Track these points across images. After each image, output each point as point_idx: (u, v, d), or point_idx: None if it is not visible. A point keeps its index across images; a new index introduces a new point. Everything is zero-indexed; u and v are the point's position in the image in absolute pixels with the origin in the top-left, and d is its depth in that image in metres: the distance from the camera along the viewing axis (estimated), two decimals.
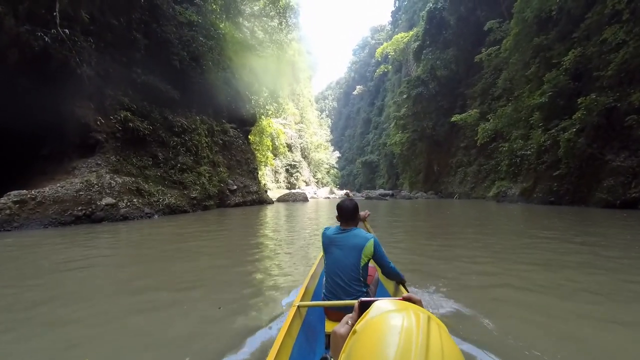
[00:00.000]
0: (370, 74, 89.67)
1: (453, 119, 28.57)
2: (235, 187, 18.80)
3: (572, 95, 17.52)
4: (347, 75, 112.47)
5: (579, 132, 15.44)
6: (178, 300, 3.16)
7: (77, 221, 8.95)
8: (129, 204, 10.47)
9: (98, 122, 10.85)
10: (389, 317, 0.63)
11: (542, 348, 2.15)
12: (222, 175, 17.79)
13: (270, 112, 29.33)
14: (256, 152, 30.98)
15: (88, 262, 4.87)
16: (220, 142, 18.77)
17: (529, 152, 18.84)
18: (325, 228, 2.33)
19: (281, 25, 33.16)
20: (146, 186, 11.76)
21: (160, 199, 12.19)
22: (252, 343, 2.22)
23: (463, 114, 27.73)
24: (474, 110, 26.72)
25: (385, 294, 2.63)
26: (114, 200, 9.97)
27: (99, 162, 10.72)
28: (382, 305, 0.69)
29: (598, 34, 16.04)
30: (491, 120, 24.03)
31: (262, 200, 21.38)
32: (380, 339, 0.58)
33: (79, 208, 9.08)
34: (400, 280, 2.41)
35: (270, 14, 32.04)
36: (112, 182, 10.46)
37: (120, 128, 11.54)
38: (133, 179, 11.43)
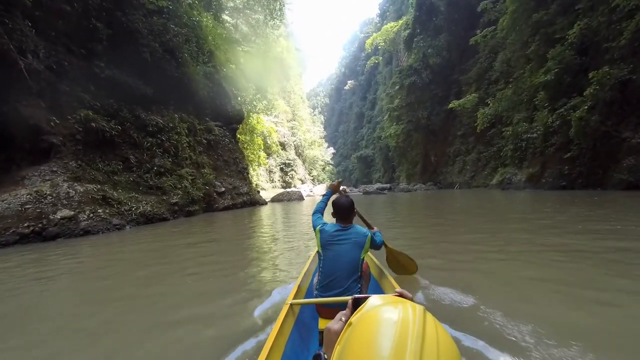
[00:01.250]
0: (361, 68, 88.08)
1: (451, 105, 27.14)
2: (223, 189, 17.25)
3: (579, 71, 16.15)
4: (338, 71, 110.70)
5: (591, 110, 14.05)
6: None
7: (23, 240, 7.40)
8: (92, 215, 8.92)
9: (52, 123, 9.26)
10: (385, 309, 0.64)
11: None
12: (208, 177, 16.23)
13: (259, 109, 27.71)
14: (247, 151, 29.42)
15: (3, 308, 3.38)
16: (204, 141, 17.19)
17: (535, 135, 17.44)
18: (322, 224, 2.33)
19: (266, 19, 31.57)
20: (115, 194, 10.20)
21: (134, 207, 10.63)
22: (245, 342, 2.16)
23: (461, 100, 26.33)
24: (472, 94, 25.28)
25: (377, 287, 2.60)
26: (72, 213, 8.42)
27: (55, 169, 9.14)
28: (377, 300, 0.70)
29: (606, 2, 14.64)
30: (491, 104, 22.63)
31: (254, 202, 19.85)
32: (376, 330, 0.58)
33: (25, 224, 7.53)
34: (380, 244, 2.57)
35: (255, 7, 30.43)
36: (71, 191, 8.91)
37: (80, 129, 9.95)
38: (98, 186, 9.86)
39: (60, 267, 5.18)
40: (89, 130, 10.20)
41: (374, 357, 0.53)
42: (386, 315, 0.61)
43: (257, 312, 2.70)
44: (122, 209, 10.13)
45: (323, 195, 2.92)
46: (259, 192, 23.46)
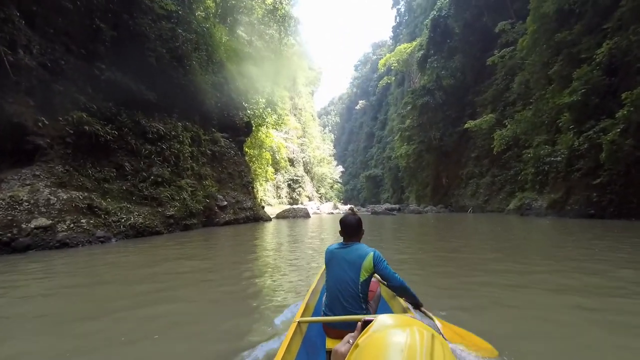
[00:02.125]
0: (373, 89, 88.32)
1: (466, 125, 26.06)
2: (225, 203, 16.30)
3: (607, 92, 15.08)
4: (349, 91, 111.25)
5: (623, 133, 12.85)
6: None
7: None
8: (72, 225, 7.98)
9: (39, 124, 8.49)
10: (392, 332, 0.61)
11: None
12: (210, 189, 15.33)
13: (269, 123, 27.08)
14: (254, 165, 28.66)
15: None
16: (209, 152, 16.39)
17: (558, 158, 16.19)
18: (331, 245, 2.22)
19: (280, 35, 31.49)
20: (103, 203, 9.29)
21: (123, 218, 9.70)
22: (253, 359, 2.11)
23: (477, 120, 25.22)
24: (489, 115, 24.21)
25: (386, 309, 2.44)
26: (49, 222, 7.50)
27: (38, 173, 8.30)
28: (385, 321, 0.69)
29: (637, 21, 13.70)
30: (509, 126, 21.50)
31: (257, 217, 18.83)
32: (382, 355, 0.56)
33: None
34: (413, 300, 2.16)
35: (269, 23, 30.41)
36: (52, 198, 8.02)
37: (71, 131, 9.16)
38: (85, 194, 8.97)
39: (17, 284, 4.18)
40: (81, 134, 9.42)
41: None
42: (394, 339, 0.59)
43: (265, 329, 2.66)
44: (110, 220, 9.19)
45: None
46: (263, 207, 22.46)
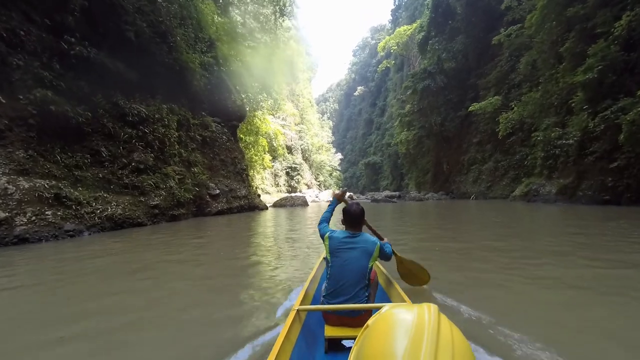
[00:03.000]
0: (371, 75, 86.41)
1: (471, 108, 24.86)
2: (217, 191, 15.28)
3: (625, 69, 13.93)
4: (348, 77, 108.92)
5: None
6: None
7: None
8: (34, 218, 6.96)
9: None
10: (400, 312, 0.66)
11: None
12: (200, 177, 14.28)
13: (264, 107, 25.81)
14: (250, 153, 27.52)
15: None
16: (199, 137, 15.26)
17: (570, 141, 15.11)
18: (330, 231, 2.29)
19: (275, 16, 29.88)
20: (74, 192, 8.24)
21: (99, 209, 8.68)
22: (251, 348, 2.07)
23: (482, 102, 23.96)
24: (495, 97, 22.99)
25: (384, 296, 2.52)
26: (4, 215, 6.47)
27: None
28: (394, 305, 0.74)
29: None
30: (515, 108, 20.33)
31: (252, 206, 17.84)
32: (392, 331, 0.60)
33: None
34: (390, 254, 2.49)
35: (264, 2, 28.79)
36: (10, 187, 6.97)
37: (34, 112, 8.03)
38: (53, 182, 7.92)
39: None
40: (47, 114, 8.28)
41: (389, 357, 0.53)
42: (402, 316, 0.62)
43: (263, 317, 2.62)
44: (82, 212, 8.16)
45: (329, 204, 2.77)
46: (259, 195, 21.43)
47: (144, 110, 11.41)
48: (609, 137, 13.30)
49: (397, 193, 37.45)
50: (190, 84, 14.57)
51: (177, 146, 13.13)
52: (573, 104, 15.17)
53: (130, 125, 10.91)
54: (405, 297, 2.08)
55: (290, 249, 5.97)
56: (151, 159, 11.30)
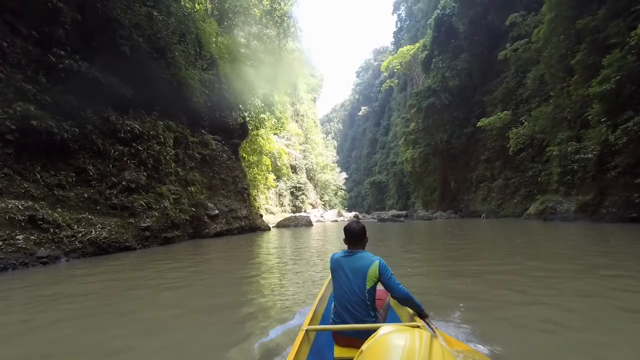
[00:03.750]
0: (375, 95, 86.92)
1: (479, 123, 24.05)
2: (216, 211, 14.44)
3: None
4: (352, 97, 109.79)
5: None
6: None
7: None
8: (0, 243, 6.13)
9: None
10: (393, 337, 0.66)
11: None
12: (199, 196, 13.50)
13: (267, 126, 25.32)
14: (253, 172, 26.85)
15: None
16: (198, 156, 14.60)
17: (589, 155, 14.14)
18: (335, 253, 2.20)
19: (279, 37, 29.99)
20: (54, 214, 7.45)
21: (81, 232, 7.85)
22: None
23: (492, 117, 23.17)
24: (505, 112, 22.23)
25: (396, 320, 2.37)
26: None
27: None
28: (388, 328, 0.73)
29: None
30: (526, 123, 19.51)
31: (254, 227, 16.93)
32: (383, 357, 0.60)
33: None
34: (418, 310, 2.08)
35: (268, 23, 28.93)
36: None
37: (13, 127, 7.38)
38: (28, 203, 7.14)
39: None
40: (28, 130, 7.62)
41: None
42: (394, 342, 0.63)
43: (272, 337, 2.57)
44: (61, 235, 7.33)
45: None
46: (261, 216, 20.53)
47: (137, 126, 10.78)
48: (632, 150, 12.35)
49: (404, 212, 36.25)
50: (189, 101, 14.05)
51: (173, 164, 12.44)
52: (590, 117, 14.30)
53: (122, 142, 10.24)
54: (418, 319, 1.99)
55: (293, 278, 5.04)
56: (144, 177, 10.55)
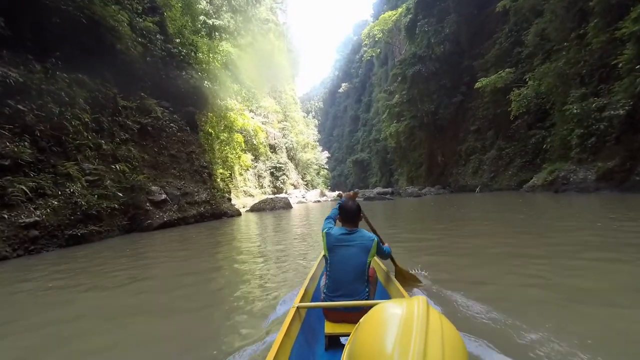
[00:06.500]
0: (355, 70, 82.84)
1: (477, 84, 21.02)
2: (163, 196, 11.02)
3: None
4: (332, 74, 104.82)
5: None
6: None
7: None
8: None
9: None
10: (390, 306, 0.67)
11: None
12: (135, 178, 10.02)
13: (236, 94, 21.51)
14: (225, 150, 23.22)
15: None
16: (134, 125, 10.98)
17: (620, 111, 11.39)
18: (328, 228, 2.20)
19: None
20: None
21: None
22: (251, 345, 2.04)
23: (492, 76, 20.13)
24: (507, 70, 19.27)
25: (384, 292, 2.47)
26: None
27: None
28: (384, 301, 0.73)
29: None
30: (530, 82, 16.64)
31: (218, 213, 13.63)
32: (381, 328, 0.59)
33: None
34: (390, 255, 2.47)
35: None
36: None
37: None
38: None
39: None
40: None
41: (379, 351, 0.53)
42: (391, 311, 0.63)
43: (263, 315, 2.57)
44: None
45: (337, 203, 2.54)
46: (229, 199, 17.16)
47: (15, 75, 7.08)
48: None
49: (389, 189, 33.63)
50: (115, 51, 10.26)
51: (89, 135, 8.84)
52: (620, 64, 11.46)
53: None
54: (405, 293, 2.05)
55: None
56: (28, 152, 6.98)
